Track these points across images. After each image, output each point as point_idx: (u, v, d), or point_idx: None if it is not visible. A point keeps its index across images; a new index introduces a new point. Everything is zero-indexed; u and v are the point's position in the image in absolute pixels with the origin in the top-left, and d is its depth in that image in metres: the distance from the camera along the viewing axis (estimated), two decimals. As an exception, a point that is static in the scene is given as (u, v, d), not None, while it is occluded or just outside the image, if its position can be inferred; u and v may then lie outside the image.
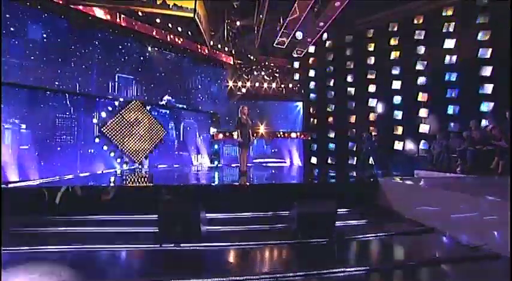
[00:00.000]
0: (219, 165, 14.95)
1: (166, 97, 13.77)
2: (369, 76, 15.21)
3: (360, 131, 14.82)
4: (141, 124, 12.87)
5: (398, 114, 14.13)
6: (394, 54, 14.32)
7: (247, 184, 7.16)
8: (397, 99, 14.21)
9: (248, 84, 15.92)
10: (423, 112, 13.19)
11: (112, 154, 11.92)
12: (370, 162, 13.47)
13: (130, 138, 12.44)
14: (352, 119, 15.72)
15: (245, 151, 9.12)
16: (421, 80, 13.35)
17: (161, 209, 4.11)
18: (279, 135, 16.23)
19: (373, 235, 4.36)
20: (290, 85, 16.57)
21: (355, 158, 15.31)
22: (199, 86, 15.19)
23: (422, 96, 13.27)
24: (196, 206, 4.17)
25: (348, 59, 15.95)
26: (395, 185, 5.87)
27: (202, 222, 4.13)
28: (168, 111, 14.20)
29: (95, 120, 11.45)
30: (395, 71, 14.23)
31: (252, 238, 4.11)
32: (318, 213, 4.19)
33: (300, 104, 17.24)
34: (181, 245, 3.87)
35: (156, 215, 4.12)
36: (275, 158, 16.57)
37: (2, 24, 8.54)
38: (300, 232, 4.17)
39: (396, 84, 14.21)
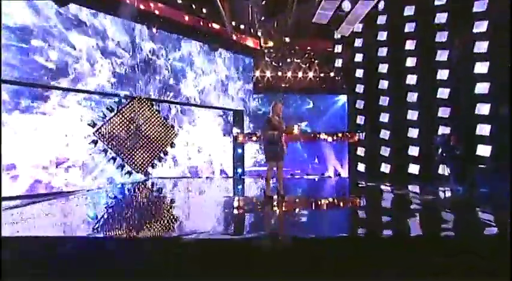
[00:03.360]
0: (242, 176, 12.09)
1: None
2: (438, 58, 11.62)
3: (425, 132, 11.65)
4: (147, 125, 10.83)
5: (483, 108, 10.46)
6: (478, 28, 10.59)
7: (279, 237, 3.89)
8: (480, 87, 10.54)
9: (279, 73, 13.58)
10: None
11: (112, 163, 9.92)
12: (445, 173, 10.16)
13: (132, 143, 10.41)
14: (414, 116, 12.24)
15: (276, 167, 5.99)
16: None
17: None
18: (318, 136, 13.36)
19: None
20: (331, 74, 13.90)
21: (419, 166, 11.92)
22: (216, 77, 12.59)
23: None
24: None
25: (407, 37, 12.45)
26: None
27: None
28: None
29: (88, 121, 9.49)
30: (481, 49, 10.52)
31: None
32: None
33: (343, 98, 14.56)
34: None
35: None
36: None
37: None
38: None
39: (480, 68, 10.53)
